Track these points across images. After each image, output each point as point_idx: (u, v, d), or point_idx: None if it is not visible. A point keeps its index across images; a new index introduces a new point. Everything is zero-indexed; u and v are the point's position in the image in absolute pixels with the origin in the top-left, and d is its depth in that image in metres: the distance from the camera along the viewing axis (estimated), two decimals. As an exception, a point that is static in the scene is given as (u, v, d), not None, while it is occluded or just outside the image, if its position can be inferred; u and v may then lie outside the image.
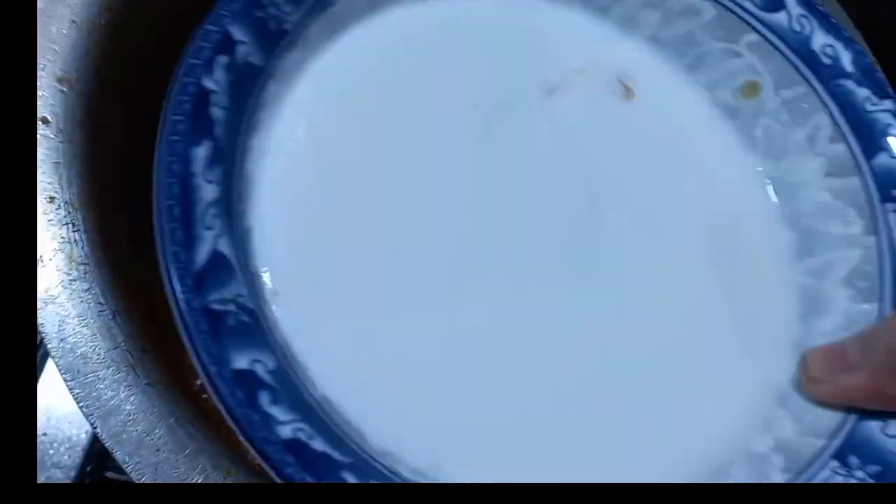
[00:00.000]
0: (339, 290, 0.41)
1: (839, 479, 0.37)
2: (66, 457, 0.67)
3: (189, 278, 0.34)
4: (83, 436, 0.67)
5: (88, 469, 0.65)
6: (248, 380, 0.33)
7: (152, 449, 0.37)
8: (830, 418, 0.40)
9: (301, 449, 0.32)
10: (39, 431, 0.67)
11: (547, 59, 0.51)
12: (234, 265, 0.36)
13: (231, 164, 0.39)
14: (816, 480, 0.37)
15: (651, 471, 0.39)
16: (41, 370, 0.69)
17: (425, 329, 0.41)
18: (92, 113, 0.45)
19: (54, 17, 0.46)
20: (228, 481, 0.38)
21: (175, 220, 0.35)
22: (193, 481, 0.37)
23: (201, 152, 0.37)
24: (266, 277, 0.39)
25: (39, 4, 0.46)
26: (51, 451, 0.67)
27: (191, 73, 0.38)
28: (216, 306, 0.34)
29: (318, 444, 0.33)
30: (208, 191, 0.37)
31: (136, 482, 0.37)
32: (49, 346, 0.38)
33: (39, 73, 0.44)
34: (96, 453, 0.66)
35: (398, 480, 0.34)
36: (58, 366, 0.38)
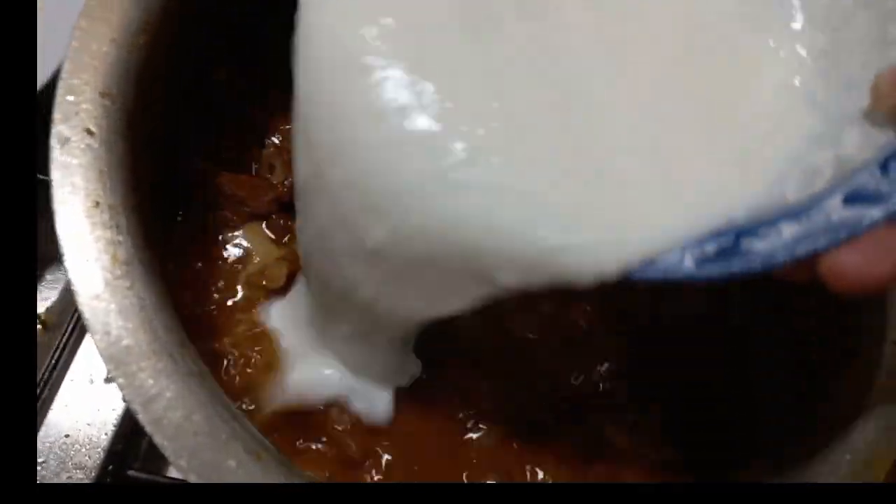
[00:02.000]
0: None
1: (871, 184, 0.37)
2: (87, 458, 0.69)
3: None
4: (104, 437, 0.69)
5: (110, 468, 0.68)
6: None
7: (189, 433, 0.40)
8: (889, 134, 0.39)
9: None
10: (62, 434, 0.70)
11: None
12: None
13: None
14: (854, 186, 0.38)
15: (711, 183, 0.40)
16: (63, 375, 0.72)
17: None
18: (132, 125, 0.49)
19: (96, 36, 0.50)
20: (258, 464, 0.41)
21: None
22: (227, 464, 0.40)
23: None
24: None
25: (82, 23, 0.50)
26: (72, 453, 0.69)
27: None
28: None
29: None
30: None
31: (175, 465, 0.39)
32: (95, 338, 0.41)
33: (83, 87, 0.48)
34: (117, 453, 0.69)
35: None
36: (102, 356, 0.41)
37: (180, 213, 0.60)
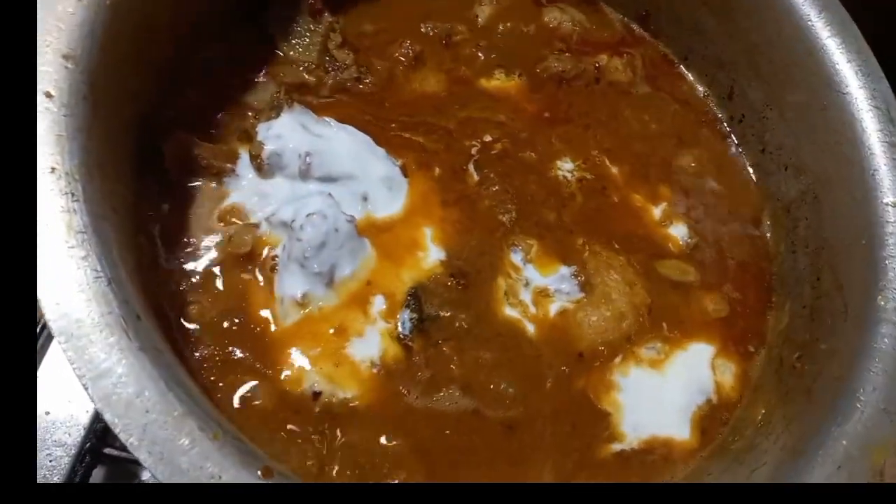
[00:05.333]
0: None
1: None
2: (66, 435, 0.68)
3: None
4: (84, 414, 0.68)
5: (88, 446, 0.66)
6: None
7: (141, 410, 0.38)
8: None
9: None
10: (42, 410, 0.68)
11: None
12: None
13: None
14: None
15: None
16: (45, 351, 0.70)
17: None
18: (95, 88, 0.46)
19: (61, -3, 0.48)
20: (214, 443, 0.39)
21: None
22: (180, 442, 0.38)
23: None
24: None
25: (48, -15, 0.48)
26: (52, 430, 0.68)
27: None
28: None
29: None
30: None
31: (125, 443, 0.38)
32: (45, 310, 0.40)
33: (44, 49, 0.46)
34: (97, 431, 0.68)
35: None
36: (52, 329, 0.39)
37: (155, 182, 0.58)
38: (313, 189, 0.61)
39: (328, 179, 0.62)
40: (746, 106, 0.73)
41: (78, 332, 0.39)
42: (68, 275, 0.40)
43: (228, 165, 0.61)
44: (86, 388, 0.38)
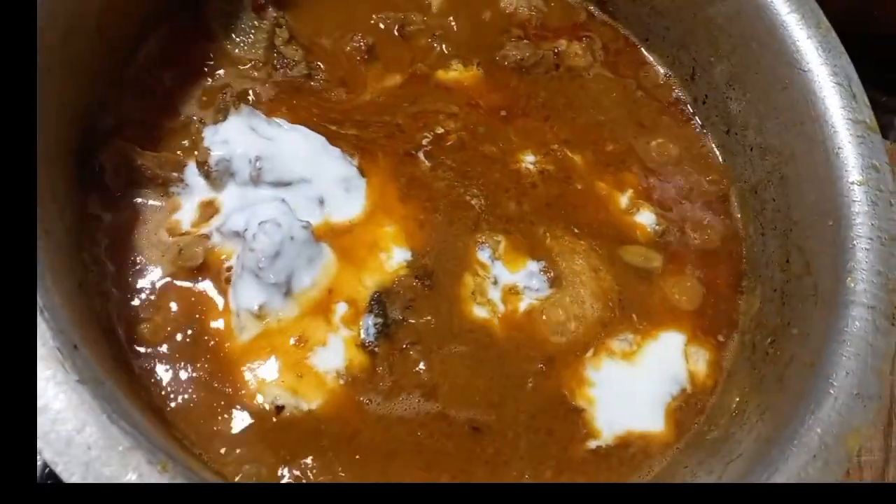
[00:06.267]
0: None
1: None
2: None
3: None
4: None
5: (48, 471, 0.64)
6: None
7: (83, 447, 0.36)
8: None
9: None
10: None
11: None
12: None
13: None
14: None
15: None
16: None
17: None
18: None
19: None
20: (164, 477, 0.37)
21: None
22: (127, 479, 0.36)
23: None
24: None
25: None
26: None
27: None
28: None
29: None
30: None
31: (66, 482, 0.35)
32: (-27, 344, 0.37)
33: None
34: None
35: None
36: (-18, 365, 0.37)
37: (97, 197, 0.55)
38: (266, 195, 0.59)
39: (281, 184, 0.59)
40: (710, 86, 0.71)
41: (9, 367, 0.37)
42: (-4, 306, 0.38)
43: (175, 174, 0.58)
44: (21, 428, 0.36)
